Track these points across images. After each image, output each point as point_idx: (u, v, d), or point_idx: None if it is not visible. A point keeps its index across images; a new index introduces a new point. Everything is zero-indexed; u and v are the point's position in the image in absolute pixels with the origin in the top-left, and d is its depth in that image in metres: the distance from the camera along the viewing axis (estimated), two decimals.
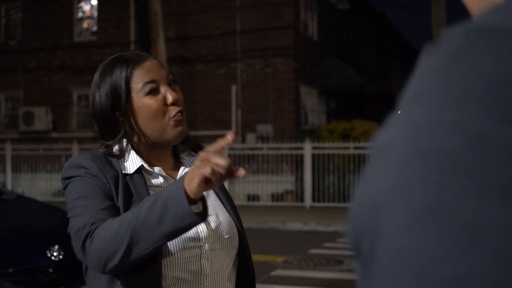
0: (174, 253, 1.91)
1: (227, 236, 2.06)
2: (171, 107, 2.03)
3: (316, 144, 17.48)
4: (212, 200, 2.12)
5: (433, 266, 0.38)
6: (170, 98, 2.03)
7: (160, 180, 2.06)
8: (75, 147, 19.62)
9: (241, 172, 1.74)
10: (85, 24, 22.96)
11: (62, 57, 22.41)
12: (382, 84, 33.78)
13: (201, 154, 1.73)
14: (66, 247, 5.87)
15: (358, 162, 17.18)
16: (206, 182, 1.70)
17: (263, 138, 19.44)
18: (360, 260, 0.46)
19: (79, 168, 1.97)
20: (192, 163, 2.14)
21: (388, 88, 35.46)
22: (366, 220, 0.45)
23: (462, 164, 0.39)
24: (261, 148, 18.57)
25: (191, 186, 1.70)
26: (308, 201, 17.44)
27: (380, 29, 33.60)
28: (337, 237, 12.81)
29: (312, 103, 22.02)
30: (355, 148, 17.12)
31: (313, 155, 17.53)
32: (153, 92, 2.03)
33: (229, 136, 1.75)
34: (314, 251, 11.16)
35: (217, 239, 2.03)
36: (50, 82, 22.45)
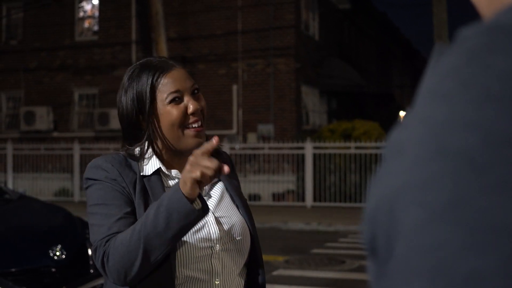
0: (187, 253, 2.01)
1: (239, 238, 2.14)
2: (190, 117, 2.11)
3: (317, 144, 17.48)
4: (227, 202, 2.22)
5: (452, 263, 0.38)
6: (191, 108, 2.11)
7: (175, 182, 2.15)
8: (76, 146, 19.64)
9: (226, 168, 1.85)
10: (86, 24, 22.96)
11: (63, 57, 22.42)
12: (383, 84, 33.78)
13: (191, 158, 1.87)
14: (69, 247, 5.88)
15: (359, 162, 17.19)
16: (198, 183, 1.85)
17: (264, 138, 19.45)
18: (375, 258, 0.46)
19: (100, 170, 2.07)
20: None
21: (389, 88, 35.46)
22: (382, 218, 0.45)
23: (480, 162, 0.39)
24: (262, 148, 18.58)
25: (186, 189, 1.85)
26: (309, 200, 17.45)
27: (381, 29, 33.59)
28: (338, 237, 12.81)
29: (313, 103, 22.03)
30: (356, 148, 17.13)
31: (314, 155, 17.54)
32: (176, 101, 2.11)
33: (214, 140, 1.87)
34: (315, 250, 11.17)
35: (229, 240, 2.11)
36: (51, 82, 22.46)
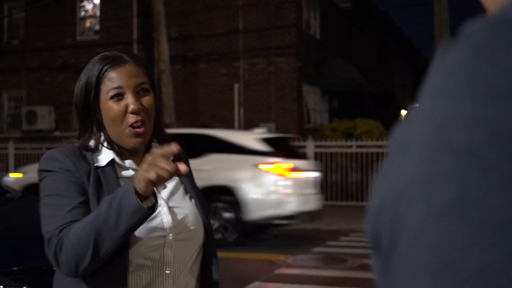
0: (139, 242, 2.02)
1: (192, 227, 2.15)
2: (131, 115, 2.08)
3: (318, 143, 17.48)
4: (181, 194, 2.22)
5: (459, 260, 0.38)
6: (131, 107, 2.07)
7: (131, 172, 2.15)
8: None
9: (183, 167, 1.84)
10: (87, 24, 22.99)
11: (65, 56, 22.45)
12: (384, 83, 33.77)
13: (149, 158, 1.86)
14: None
15: (361, 160, 17.19)
16: (153, 183, 1.84)
17: None
18: (379, 254, 0.46)
19: (55, 161, 2.06)
20: None
21: (390, 87, 35.45)
22: (386, 215, 0.45)
23: (487, 159, 0.39)
24: None
25: (139, 187, 1.85)
26: None
27: (382, 29, 33.58)
28: (340, 236, 12.82)
29: (314, 102, 22.03)
30: (358, 146, 17.13)
31: (316, 154, 17.54)
32: (117, 97, 2.09)
33: (174, 147, 1.86)
34: (317, 249, 11.17)
35: (182, 230, 2.12)
36: (53, 82, 22.49)
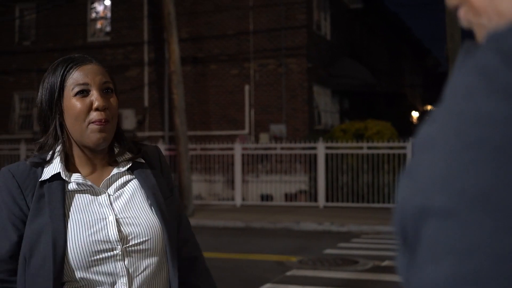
0: (83, 256, 1.99)
1: (145, 238, 2.08)
2: (95, 112, 2.07)
3: (329, 144, 17.48)
4: (137, 201, 2.16)
5: (485, 242, 0.41)
6: (96, 103, 2.06)
7: (74, 186, 2.10)
8: None
9: None
10: (98, 25, 23.06)
11: None
12: (395, 83, 33.71)
13: None
14: None
15: (372, 162, 17.16)
16: None
17: (276, 138, 19.45)
18: (405, 249, 0.48)
19: (1, 188, 2.08)
20: (126, 165, 2.20)
21: (401, 87, 35.37)
22: (412, 210, 0.46)
23: (508, 154, 0.41)
24: (275, 148, 18.59)
25: None
26: (321, 201, 17.44)
27: (392, 29, 33.52)
28: (351, 237, 12.80)
29: (325, 103, 22.02)
30: (369, 148, 17.11)
31: (327, 155, 17.53)
32: (82, 94, 2.08)
33: None
34: (328, 251, 11.16)
35: (132, 242, 2.07)
36: None
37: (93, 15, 23.04)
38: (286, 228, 14.26)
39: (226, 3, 20.44)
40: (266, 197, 18.52)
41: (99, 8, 23.01)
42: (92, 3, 22.97)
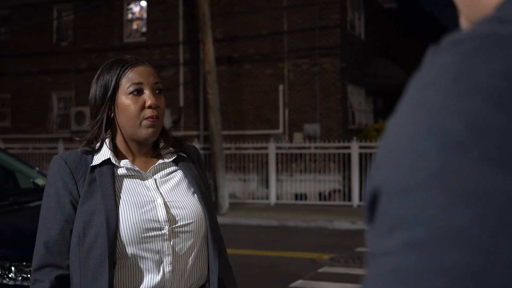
0: (134, 233, 2.16)
1: (189, 221, 2.27)
2: (148, 110, 2.27)
3: (363, 144, 17.48)
4: (182, 189, 2.35)
5: (436, 218, 0.47)
6: (149, 101, 2.27)
7: (123, 171, 2.29)
8: None
9: None
10: (134, 26, 23.29)
11: (113, 57, 22.65)
12: None
13: None
14: None
15: None
16: None
17: (310, 138, 19.50)
18: (368, 222, 0.56)
19: (55, 174, 2.26)
20: (170, 157, 2.40)
21: None
22: (372, 186, 0.54)
23: (464, 141, 0.48)
24: (309, 147, 18.64)
25: None
26: (355, 200, 17.46)
27: (427, 29, 33.31)
28: None
29: (359, 102, 22.00)
30: None
31: (361, 154, 17.54)
32: (136, 93, 2.28)
33: None
34: (360, 249, 11.22)
35: (178, 223, 2.25)
36: None
37: (129, 16, 23.27)
38: (320, 227, 14.32)
39: (260, 4, 20.52)
40: (300, 196, 18.57)
41: (135, 9, 23.25)
42: (129, 4, 23.21)
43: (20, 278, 4.50)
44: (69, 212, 2.21)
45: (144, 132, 2.28)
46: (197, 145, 18.63)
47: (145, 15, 22.85)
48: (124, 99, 2.29)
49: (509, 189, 0.45)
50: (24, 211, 5.70)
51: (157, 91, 2.34)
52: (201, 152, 18.58)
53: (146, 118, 2.26)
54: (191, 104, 21.48)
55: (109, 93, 2.30)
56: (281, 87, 20.19)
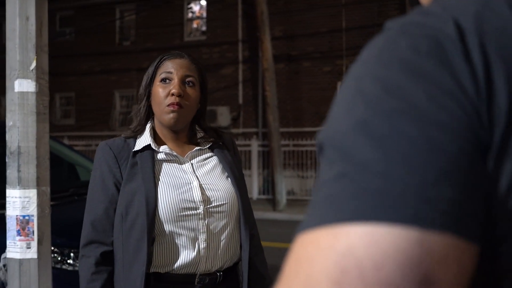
0: (172, 211, 2.34)
1: (223, 202, 2.44)
2: (171, 97, 2.44)
3: None
4: (217, 173, 2.52)
5: (357, 154, 0.62)
6: (173, 90, 2.43)
7: (162, 156, 2.48)
8: None
9: None
10: (194, 25, 23.51)
11: None
12: None
13: None
14: None
15: None
16: None
17: None
18: (319, 159, 0.70)
19: (100, 158, 2.47)
20: (207, 145, 2.59)
21: None
22: (319, 139, 0.69)
23: (380, 99, 0.64)
24: None
25: None
26: None
27: None
28: None
29: None
30: None
31: None
32: (166, 81, 2.47)
33: None
34: None
35: (213, 204, 2.42)
36: None
37: (190, 15, 23.50)
38: None
39: (318, 1, 20.52)
40: None
41: (195, 8, 23.47)
42: (189, 3, 23.45)
43: (77, 264, 4.78)
44: (113, 193, 2.41)
45: (166, 117, 2.45)
46: (255, 142, 18.82)
47: (204, 14, 23.06)
48: (156, 86, 2.48)
49: (409, 131, 0.61)
50: (83, 202, 5.94)
51: (190, 84, 2.50)
52: (260, 149, 18.73)
53: (168, 105, 2.43)
54: (250, 102, 21.61)
55: (147, 82, 2.51)
56: (339, 84, 20.16)
